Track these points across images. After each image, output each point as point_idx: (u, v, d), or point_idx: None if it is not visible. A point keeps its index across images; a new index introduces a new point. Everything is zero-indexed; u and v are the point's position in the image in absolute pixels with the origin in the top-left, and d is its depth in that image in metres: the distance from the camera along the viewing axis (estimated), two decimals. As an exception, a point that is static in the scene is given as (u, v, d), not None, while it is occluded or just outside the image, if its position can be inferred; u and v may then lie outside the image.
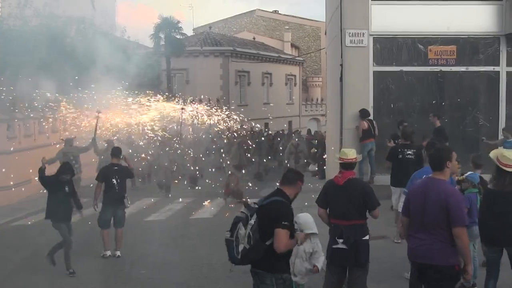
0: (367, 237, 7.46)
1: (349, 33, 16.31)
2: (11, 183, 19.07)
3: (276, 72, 51.51)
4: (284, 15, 65.62)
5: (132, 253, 12.19)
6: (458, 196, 6.40)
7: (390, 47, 16.75)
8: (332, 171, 18.72)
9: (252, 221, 6.23)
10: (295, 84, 55.44)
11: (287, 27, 61.53)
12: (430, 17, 16.34)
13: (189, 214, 16.97)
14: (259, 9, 65.73)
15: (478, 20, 16.37)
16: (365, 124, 16.05)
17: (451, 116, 16.81)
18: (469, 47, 16.68)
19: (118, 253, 11.90)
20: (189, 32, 52.61)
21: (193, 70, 42.56)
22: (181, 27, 40.65)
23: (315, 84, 61.08)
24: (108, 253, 11.88)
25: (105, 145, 19.03)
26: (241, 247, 6.19)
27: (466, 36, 16.55)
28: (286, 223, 6.15)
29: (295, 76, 55.58)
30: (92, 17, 24.55)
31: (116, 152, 12.54)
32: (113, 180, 11.90)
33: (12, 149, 19.77)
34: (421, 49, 16.70)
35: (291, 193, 6.55)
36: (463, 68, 16.68)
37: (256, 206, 6.40)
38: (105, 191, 12.00)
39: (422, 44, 16.68)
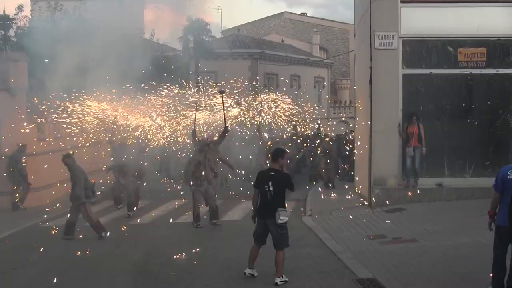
0: None
1: (379, 35, 16.28)
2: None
3: (304, 74, 51.50)
4: (313, 17, 65.56)
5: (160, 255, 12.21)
6: None
7: (419, 49, 16.67)
8: (361, 174, 18.74)
9: None
10: (323, 87, 55.36)
11: (316, 30, 61.50)
12: (460, 19, 16.27)
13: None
14: (287, 12, 65.81)
15: (508, 22, 16.21)
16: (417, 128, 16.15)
17: (481, 119, 16.68)
18: (500, 49, 16.52)
19: (278, 280, 9.90)
20: (218, 35, 52.88)
21: (222, 73, 42.62)
22: (209, 29, 40.94)
23: (344, 87, 60.99)
24: (249, 271, 10.42)
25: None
26: None
27: (496, 39, 16.40)
28: None
29: (323, 78, 55.51)
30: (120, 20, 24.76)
31: (275, 154, 10.69)
32: (265, 186, 10.25)
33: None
34: (450, 52, 16.59)
35: None
36: (493, 71, 16.51)
37: None
38: (259, 200, 10.48)
39: (451, 46, 16.57)
